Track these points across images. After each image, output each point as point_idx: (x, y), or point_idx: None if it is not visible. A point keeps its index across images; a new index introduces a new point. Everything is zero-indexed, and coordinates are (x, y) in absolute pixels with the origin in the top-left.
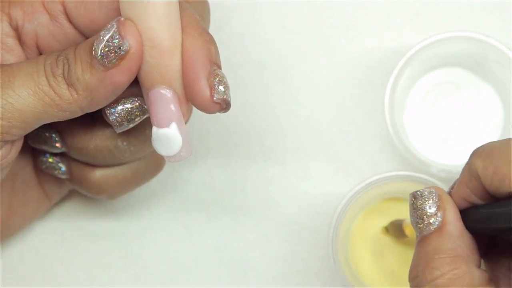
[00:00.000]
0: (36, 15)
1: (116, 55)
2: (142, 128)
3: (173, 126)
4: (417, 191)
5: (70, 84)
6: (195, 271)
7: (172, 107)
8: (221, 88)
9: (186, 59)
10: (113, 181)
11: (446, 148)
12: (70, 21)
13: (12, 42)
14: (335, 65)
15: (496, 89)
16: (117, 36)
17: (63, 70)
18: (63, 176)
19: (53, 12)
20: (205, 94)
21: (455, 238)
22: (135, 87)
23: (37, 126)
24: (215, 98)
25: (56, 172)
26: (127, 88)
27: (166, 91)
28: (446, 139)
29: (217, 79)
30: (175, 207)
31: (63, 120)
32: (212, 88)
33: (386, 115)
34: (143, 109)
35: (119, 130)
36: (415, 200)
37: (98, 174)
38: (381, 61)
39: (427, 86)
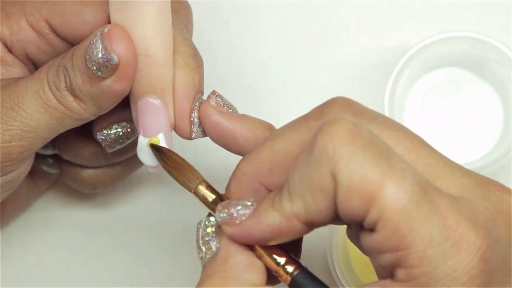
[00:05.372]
0: (23, 33)
1: (108, 67)
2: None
3: (161, 136)
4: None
5: (75, 96)
6: (195, 271)
7: (161, 117)
8: (200, 129)
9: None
10: (106, 178)
11: (446, 148)
12: (57, 35)
13: (6, 56)
14: (335, 65)
15: (496, 89)
16: (103, 52)
17: (66, 82)
18: (52, 171)
19: (39, 29)
20: (185, 132)
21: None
22: (126, 111)
23: (56, 135)
24: (192, 136)
25: (45, 167)
26: (118, 112)
27: (156, 101)
28: (446, 139)
29: (197, 113)
30: (175, 207)
31: (80, 125)
32: (192, 125)
33: (386, 115)
34: (133, 133)
35: (109, 151)
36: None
37: (91, 172)
38: (381, 61)
39: (427, 86)
